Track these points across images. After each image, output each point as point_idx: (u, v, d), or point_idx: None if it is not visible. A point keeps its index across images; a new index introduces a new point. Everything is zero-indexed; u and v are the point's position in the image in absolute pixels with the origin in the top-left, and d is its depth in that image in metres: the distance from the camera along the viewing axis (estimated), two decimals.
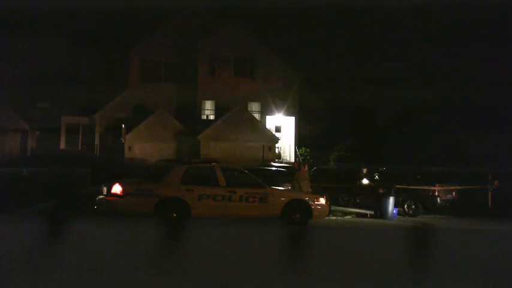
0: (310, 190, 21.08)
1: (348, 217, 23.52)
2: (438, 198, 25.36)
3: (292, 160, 41.77)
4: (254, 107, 43.14)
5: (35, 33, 41.92)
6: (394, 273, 10.94)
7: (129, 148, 39.55)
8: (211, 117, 42.56)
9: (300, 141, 43.53)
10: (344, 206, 26.33)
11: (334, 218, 22.30)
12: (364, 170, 28.02)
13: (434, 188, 25.41)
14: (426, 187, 25.57)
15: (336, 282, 10.34)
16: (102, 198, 17.21)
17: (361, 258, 12.51)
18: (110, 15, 42.24)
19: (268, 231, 16.07)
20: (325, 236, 16.31)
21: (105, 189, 17.20)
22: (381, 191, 24.07)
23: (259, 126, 41.32)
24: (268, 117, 43.22)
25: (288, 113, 43.48)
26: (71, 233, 12.34)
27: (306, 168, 22.71)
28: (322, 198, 18.53)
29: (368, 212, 24.50)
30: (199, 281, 10.08)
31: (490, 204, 25.63)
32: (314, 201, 18.24)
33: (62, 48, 42.64)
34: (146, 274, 10.35)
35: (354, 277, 10.55)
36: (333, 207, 23.08)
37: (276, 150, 41.86)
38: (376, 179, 27.86)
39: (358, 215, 24.31)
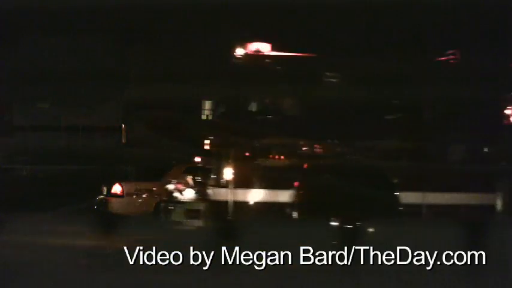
0: None
1: None
2: None
3: None
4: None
5: (34, 33, 41.97)
6: None
7: (129, 148, 39.56)
8: (211, 117, 42.53)
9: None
10: None
11: None
12: None
13: None
14: None
15: None
16: (102, 198, 17.25)
17: None
18: (110, 14, 42.28)
19: None
20: None
21: (105, 189, 17.24)
22: None
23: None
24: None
25: None
26: None
27: None
28: None
29: None
30: None
31: None
32: None
33: (62, 47, 42.68)
34: None
35: None
36: None
37: None
38: None
39: None
